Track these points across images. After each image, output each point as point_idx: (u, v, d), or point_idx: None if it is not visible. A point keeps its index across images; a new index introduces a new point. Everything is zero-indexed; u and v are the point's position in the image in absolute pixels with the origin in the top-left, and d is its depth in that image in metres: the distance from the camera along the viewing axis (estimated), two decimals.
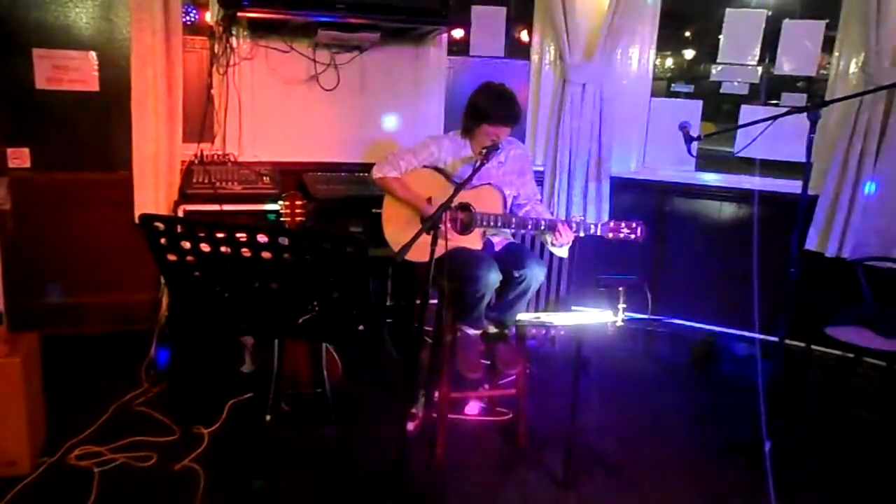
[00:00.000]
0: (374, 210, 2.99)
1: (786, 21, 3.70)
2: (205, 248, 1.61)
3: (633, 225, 2.68)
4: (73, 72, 3.26)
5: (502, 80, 2.83)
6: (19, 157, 3.26)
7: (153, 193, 3.29)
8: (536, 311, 3.74)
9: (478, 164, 2.57)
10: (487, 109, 2.72)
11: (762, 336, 3.34)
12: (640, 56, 3.98)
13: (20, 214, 3.27)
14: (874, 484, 2.71)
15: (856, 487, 2.67)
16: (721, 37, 3.84)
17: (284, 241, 1.59)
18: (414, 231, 2.10)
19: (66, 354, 3.18)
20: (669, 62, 6.01)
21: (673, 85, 5.44)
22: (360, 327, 1.75)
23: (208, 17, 3.47)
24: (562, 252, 2.82)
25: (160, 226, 1.60)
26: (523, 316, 2.73)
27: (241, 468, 2.52)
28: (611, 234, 2.69)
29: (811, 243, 3.54)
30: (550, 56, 4.03)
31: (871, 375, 3.35)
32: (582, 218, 2.69)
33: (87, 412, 2.82)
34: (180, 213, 3.15)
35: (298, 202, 2.70)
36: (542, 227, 2.72)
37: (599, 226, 2.69)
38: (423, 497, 2.48)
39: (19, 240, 3.27)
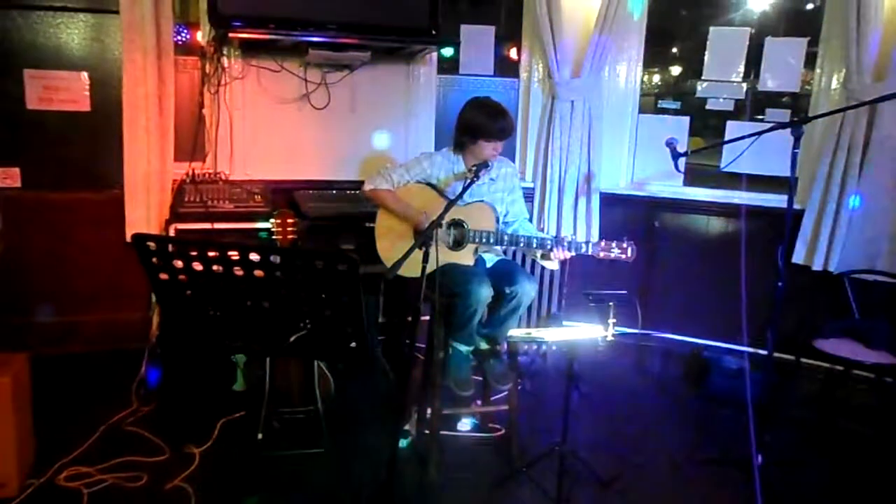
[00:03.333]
0: (367, 224, 3.00)
1: (768, 39, 3.77)
2: (197, 266, 1.62)
3: (624, 245, 2.67)
4: (65, 92, 3.27)
5: (492, 98, 2.85)
6: (10, 177, 3.25)
7: (145, 212, 3.29)
8: (528, 326, 3.75)
9: (468, 181, 2.60)
10: (482, 125, 2.73)
11: (751, 349, 3.36)
12: (628, 73, 4.03)
13: (10, 234, 3.26)
14: (864, 496, 2.72)
15: (846, 499, 2.68)
16: (706, 54, 3.91)
17: (276, 259, 1.60)
18: (407, 246, 2.11)
19: (56, 374, 3.16)
20: (657, 79, 6.10)
21: (660, 101, 5.51)
22: (353, 344, 1.75)
23: (199, 37, 3.49)
24: (552, 265, 2.84)
25: (152, 245, 1.60)
26: (515, 332, 2.74)
27: (233, 487, 2.50)
28: (602, 254, 2.68)
29: (798, 257, 3.57)
30: (539, 73, 4.08)
31: (860, 387, 3.38)
32: (573, 237, 2.70)
33: (77, 432, 2.80)
34: (172, 232, 3.15)
35: (290, 220, 2.71)
36: (535, 246, 2.73)
37: (590, 245, 2.69)
38: None
39: (9, 259, 3.25)
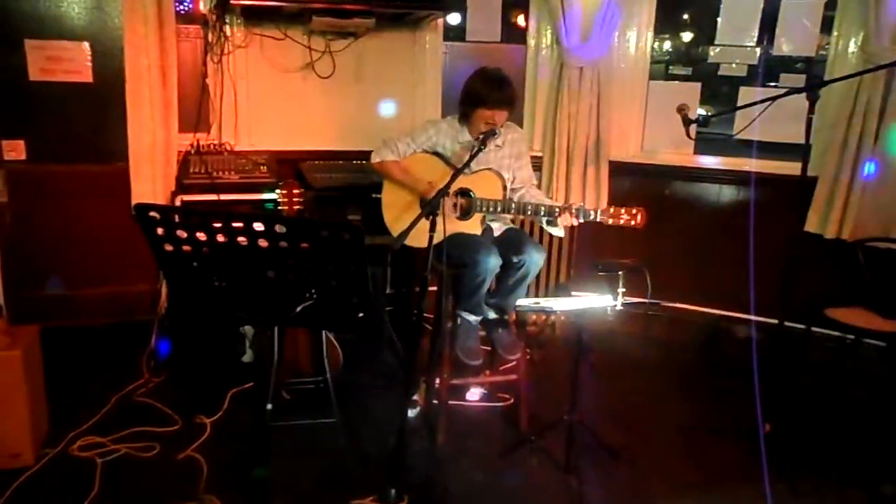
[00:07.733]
0: (373, 195, 2.98)
1: (784, 1, 3.67)
2: (201, 236, 1.60)
3: (633, 211, 2.63)
4: (67, 62, 3.23)
5: (499, 66, 2.80)
6: (14, 150, 3.24)
7: (150, 184, 3.27)
8: (536, 296, 3.74)
9: (475, 149, 2.56)
10: (482, 93, 2.70)
11: (762, 318, 3.34)
12: (638, 39, 3.94)
13: (17, 207, 3.26)
14: (874, 464, 2.72)
15: (855, 468, 2.68)
16: (719, 18, 3.81)
17: (281, 229, 1.58)
18: (414, 216, 2.09)
19: (67, 347, 3.18)
20: (667, 45, 5.97)
21: (671, 68, 5.41)
22: (360, 315, 1.74)
23: (201, 6, 3.43)
24: (557, 231, 2.81)
25: (156, 215, 1.58)
26: (523, 301, 2.73)
27: (243, 457, 2.53)
28: (610, 220, 2.64)
29: (810, 225, 3.52)
30: (547, 40, 4.00)
31: (872, 356, 3.35)
32: (581, 204, 2.67)
33: (89, 404, 2.83)
34: (177, 204, 3.14)
35: (296, 191, 2.69)
36: (542, 214, 2.70)
37: (599, 212, 2.65)
38: (425, 483, 2.49)
39: (17, 233, 3.26)
